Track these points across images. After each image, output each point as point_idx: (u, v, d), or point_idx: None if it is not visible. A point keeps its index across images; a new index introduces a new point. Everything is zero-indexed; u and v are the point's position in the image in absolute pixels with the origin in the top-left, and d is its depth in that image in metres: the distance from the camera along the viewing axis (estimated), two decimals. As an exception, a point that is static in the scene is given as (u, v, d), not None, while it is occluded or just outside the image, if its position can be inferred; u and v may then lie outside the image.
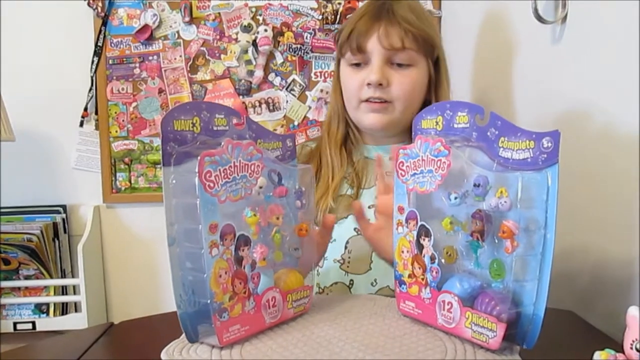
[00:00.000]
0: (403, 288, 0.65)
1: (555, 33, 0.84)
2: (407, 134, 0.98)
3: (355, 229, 0.93)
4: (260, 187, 0.59)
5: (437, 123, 0.63)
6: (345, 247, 0.93)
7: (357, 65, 0.95)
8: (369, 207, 0.93)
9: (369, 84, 0.92)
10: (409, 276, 0.64)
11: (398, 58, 0.92)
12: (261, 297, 0.59)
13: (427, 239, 0.60)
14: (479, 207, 0.55)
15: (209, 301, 0.54)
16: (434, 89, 0.97)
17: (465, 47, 1.34)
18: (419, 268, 0.62)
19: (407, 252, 0.64)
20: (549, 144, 0.51)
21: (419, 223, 0.62)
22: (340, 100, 1.02)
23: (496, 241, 0.54)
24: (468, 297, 0.56)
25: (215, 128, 0.58)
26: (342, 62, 1.00)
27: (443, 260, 0.59)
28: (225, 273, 0.55)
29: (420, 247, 0.62)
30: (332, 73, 1.13)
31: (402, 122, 0.96)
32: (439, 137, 0.59)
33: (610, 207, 0.71)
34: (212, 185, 0.53)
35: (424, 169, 0.60)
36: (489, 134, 0.57)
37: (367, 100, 0.94)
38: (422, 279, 0.62)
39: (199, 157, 0.52)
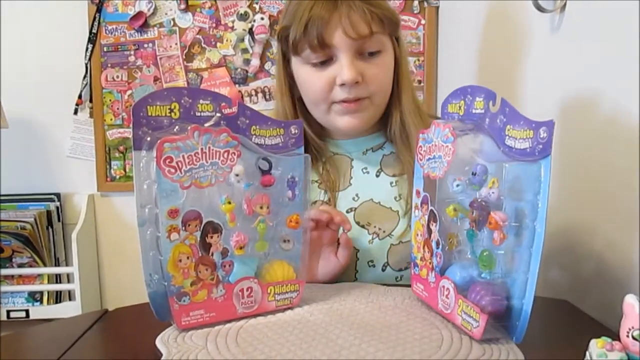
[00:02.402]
0: (416, 270, 0.66)
1: (554, 22, 0.84)
2: (379, 123, 0.91)
3: None
4: (237, 175, 0.58)
5: (460, 107, 0.63)
6: None
7: (321, 63, 0.82)
8: (347, 212, 0.87)
9: (342, 84, 0.81)
10: (421, 259, 0.65)
11: (368, 46, 0.81)
12: (234, 285, 0.59)
13: (434, 224, 0.61)
14: (476, 196, 0.55)
15: (166, 283, 0.55)
16: (397, 69, 0.87)
17: (464, 37, 1.34)
18: (428, 252, 0.63)
19: (421, 235, 0.65)
20: (545, 134, 0.50)
21: (429, 208, 0.62)
22: (291, 105, 0.89)
23: (488, 232, 0.54)
24: (464, 286, 0.56)
25: (198, 114, 0.58)
26: (294, 62, 0.86)
27: (446, 247, 0.59)
28: (188, 258, 0.56)
29: (429, 231, 0.62)
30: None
31: (378, 113, 0.88)
32: (448, 123, 0.59)
33: (608, 197, 0.71)
34: (172, 171, 0.54)
35: (436, 154, 0.61)
36: (498, 121, 0.56)
37: (340, 101, 0.83)
38: (430, 263, 0.62)
39: (157, 143, 0.53)
